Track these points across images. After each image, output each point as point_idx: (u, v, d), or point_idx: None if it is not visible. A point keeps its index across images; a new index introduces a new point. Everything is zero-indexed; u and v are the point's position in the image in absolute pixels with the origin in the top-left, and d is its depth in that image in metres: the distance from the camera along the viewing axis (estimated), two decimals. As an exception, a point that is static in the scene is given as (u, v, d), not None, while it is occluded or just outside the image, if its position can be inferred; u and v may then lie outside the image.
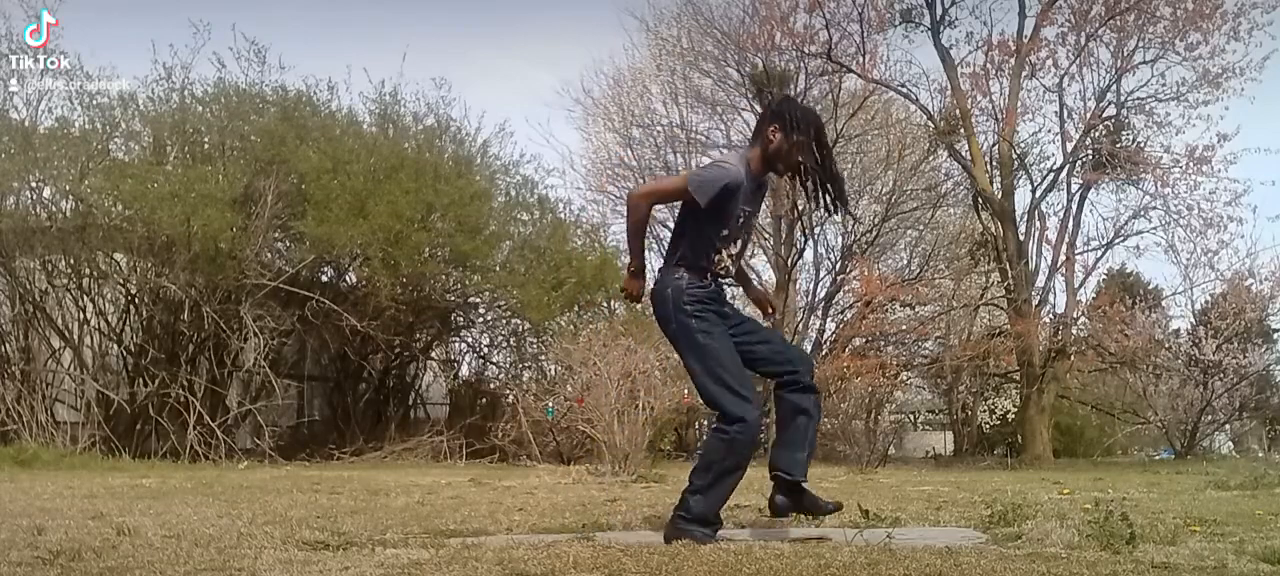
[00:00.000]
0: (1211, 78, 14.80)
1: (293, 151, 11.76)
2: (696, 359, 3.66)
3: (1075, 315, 16.34)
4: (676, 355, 3.87)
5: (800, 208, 16.72)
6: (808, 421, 3.74)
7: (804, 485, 3.71)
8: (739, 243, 3.78)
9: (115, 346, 11.66)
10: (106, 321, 11.66)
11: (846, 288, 17.98)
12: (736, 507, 5.12)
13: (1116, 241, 16.34)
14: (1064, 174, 15.96)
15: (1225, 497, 6.02)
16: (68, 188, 11.39)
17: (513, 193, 14.29)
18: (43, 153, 11.18)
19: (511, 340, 15.06)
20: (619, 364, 8.90)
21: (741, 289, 4.25)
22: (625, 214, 3.83)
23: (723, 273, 3.76)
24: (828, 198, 3.80)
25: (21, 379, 10.89)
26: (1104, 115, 15.64)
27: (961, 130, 15.76)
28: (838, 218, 4.16)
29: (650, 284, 3.83)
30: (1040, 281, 16.09)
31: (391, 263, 11.87)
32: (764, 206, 4.06)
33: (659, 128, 18.50)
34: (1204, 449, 16.09)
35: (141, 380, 11.22)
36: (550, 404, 12.37)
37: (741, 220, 3.72)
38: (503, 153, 14.83)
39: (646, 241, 3.87)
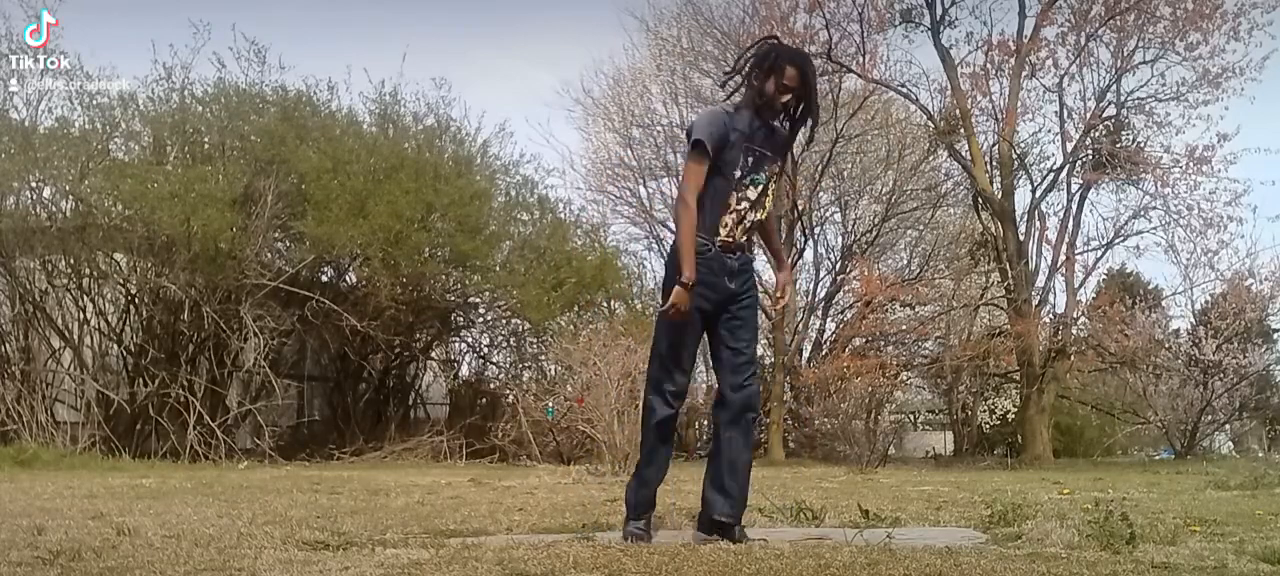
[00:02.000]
0: (1211, 78, 14.78)
1: (293, 151, 11.77)
2: (657, 324, 3.67)
3: (1075, 315, 16.32)
4: None
5: (800, 208, 16.73)
6: (733, 453, 3.63)
7: (733, 526, 3.60)
8: (757, 190, 3.63)
9: (115, 346, 11.66)
10: (106, 321, 11.66)
11: (846, 288, 17.99)
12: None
13: (1116, 241, 16.33)
14: (1064, 174, 15.95)
15: (1225, 497, 6.02)
16: (68, 188, 11.39)
17: (513, 193, 14.31)
18: (43, 153, 11.19)
19: (511, 340, 15.09)
20: (619, 364, 8.91)
21: (763, 243, 3.97)
22: (679, 221, 3.56)
23: (740, 234, 3.62)
24: (802, 132, 3.76)
25: (21, 379, 10.90)
26: (1104, 115, 15.62)
27: (961, 130, 15.74)
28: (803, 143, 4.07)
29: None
30: (1040, 281, 16.07)
31: (391, 263, 11.87)
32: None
33: (659, 128, 18.52)
34: (1204, 449, 16.07)
35: (141, 380, 11.23)
36: (550, 404, 12.39)
37: (753, 160, 3.60)
38: (503, 153, 14.86)
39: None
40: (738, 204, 3.61)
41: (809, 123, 3.77)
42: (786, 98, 3.61)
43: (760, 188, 3.64)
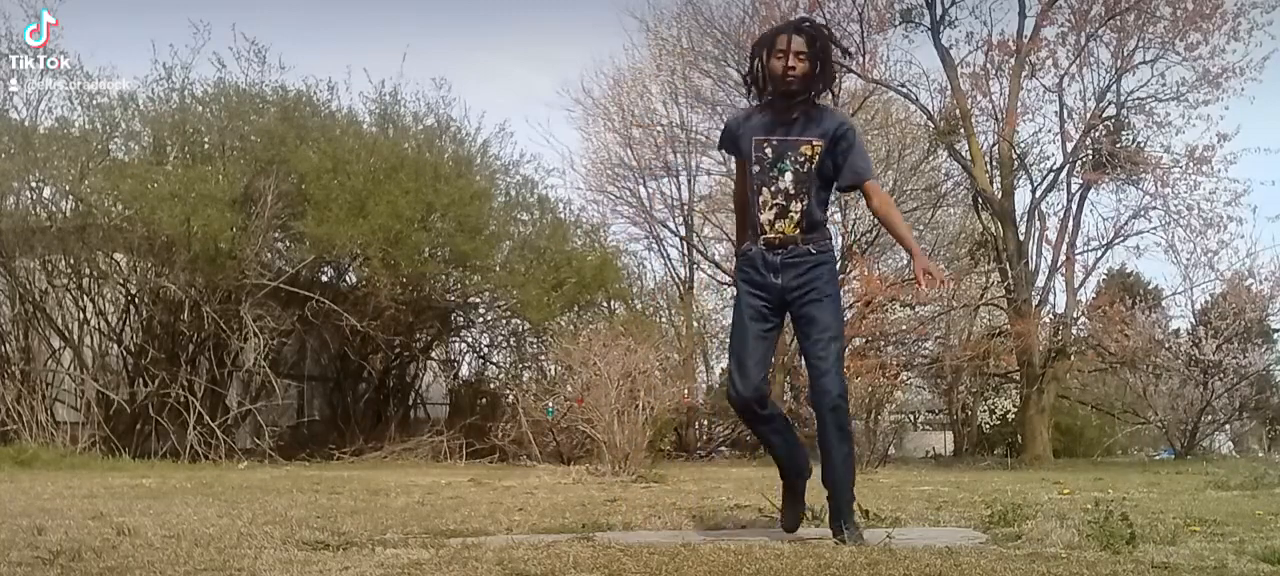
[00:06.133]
0: (1211, 78, 14.79)
1: (293, 151, 11.76)
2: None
3: (1075, 315, 16.33)
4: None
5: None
6: (830, 446, 3.59)
7: (841, 522, 3.59)
8: (789, 178, 3.59)
9: (115, 346, 11.66)
10: (106, 321, 11.66)
11: (846, 287, 17.97)
12: (737, 507, 5.14)
13: (1116, 241, 16.33)
14: (1064, 174, 15.96)
15: (1225, 497, 6.02)
16: (68, 188, 11.39)
17: (513, 193, 14.29)
18: (43, 153, 11.19)
19: (511, 340, 15.07)
20: (619, 364, 8.90)
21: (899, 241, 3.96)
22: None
23: (790, 228, 3.59)
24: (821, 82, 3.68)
25: (21, 379, 10.90)
26: (1104, 115, 15.63)
27: (961, 130, 15.75)
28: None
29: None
30: (1040, 281, 16.08)
31: (391, 263, 11.86)
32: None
33: (659, 128, 18.49)
34: (1204, 449, 16.07)
35: (141, 380, 11.22)
36: (550, 404, 12.37)
37: (772, 150, 3.60)
38: (503, 153, 14.84)
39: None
40: (774, 197, 3.60)
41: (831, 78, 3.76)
42: (790, 63, 3.55)
43: (790, 176, 3.60)
